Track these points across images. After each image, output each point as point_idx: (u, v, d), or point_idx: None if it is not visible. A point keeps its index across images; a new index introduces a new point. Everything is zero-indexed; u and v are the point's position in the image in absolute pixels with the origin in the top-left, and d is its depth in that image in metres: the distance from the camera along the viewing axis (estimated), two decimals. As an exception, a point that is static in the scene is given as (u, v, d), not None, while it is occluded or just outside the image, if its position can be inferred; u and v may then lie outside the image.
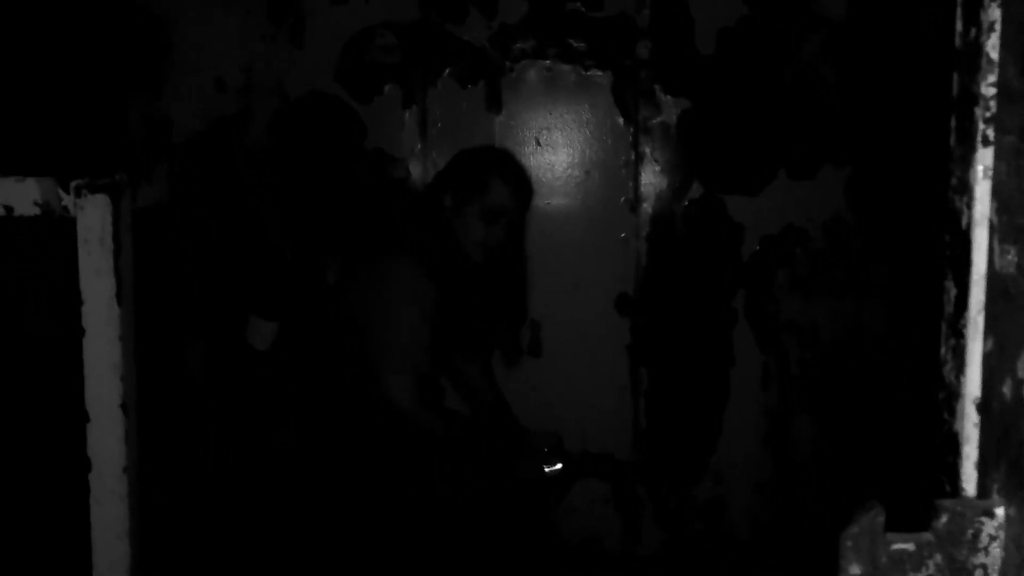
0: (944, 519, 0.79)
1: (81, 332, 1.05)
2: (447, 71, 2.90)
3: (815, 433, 3.01)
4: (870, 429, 2.93)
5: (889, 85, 2.86)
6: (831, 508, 3.00)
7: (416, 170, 2.91)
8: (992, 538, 0.79)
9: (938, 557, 0.79)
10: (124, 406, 1.05)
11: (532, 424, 2.62)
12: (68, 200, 1.00)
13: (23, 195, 1.00)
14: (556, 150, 2.94)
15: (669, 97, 2.91)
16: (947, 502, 0.80)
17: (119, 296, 1.03)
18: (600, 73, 2.91)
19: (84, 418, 1.07)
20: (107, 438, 1.07)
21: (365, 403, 2.19)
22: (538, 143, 2.94)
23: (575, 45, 2.90)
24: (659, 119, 2.92)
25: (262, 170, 2.60)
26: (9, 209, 1.01)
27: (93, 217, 1.00)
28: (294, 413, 2.26)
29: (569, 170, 2.95)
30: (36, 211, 1.01)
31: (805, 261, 2.96)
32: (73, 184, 1.00)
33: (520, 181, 2.37)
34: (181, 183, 2.76)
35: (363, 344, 2.20)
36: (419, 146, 2.92)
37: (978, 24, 0.77)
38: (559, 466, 2.44)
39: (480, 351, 2.64)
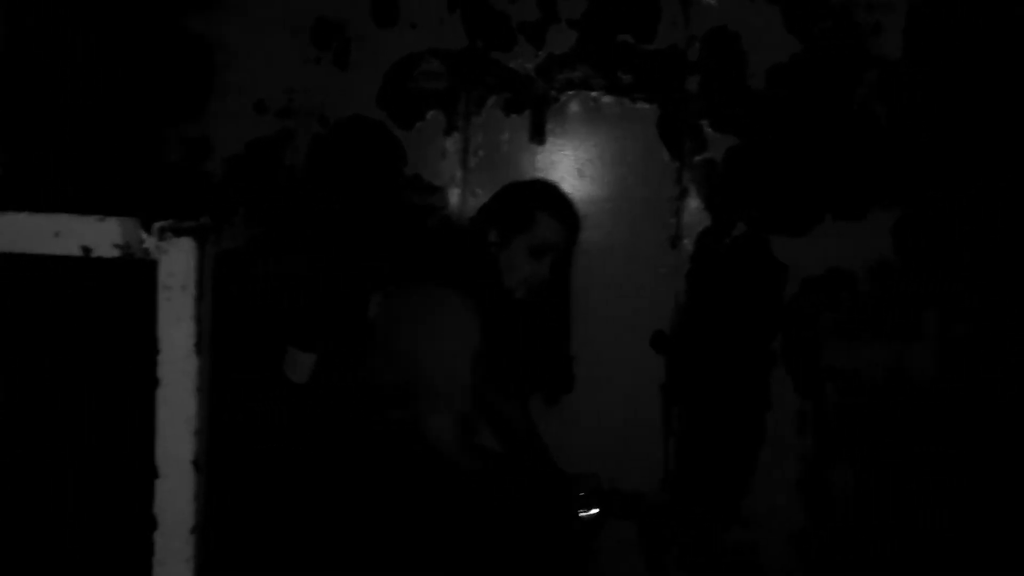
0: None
1: (155, 382, 0.98)
2: (492, 99, 2.84)
3: (854, 483, 2.93)
4: (916, 482, 2.85)
5: (946, 125, 2.80)
6: (868, 562, 2.91)
7: (455, 199, 2.84)
8: None
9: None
10: (196, 463, 0.98)
11: (563, 459, 2.55)
12: (150, 242, 0.94)
13: (103, 236, 0.93)
14: (598, 183, 2.88)
15: (716, 133, 2.85)
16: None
17: (198, 345, 0.96)
18: (647, 106, 2.85)
19: (153, 474, 1.00)
20: (176, 496, 0.99)
21: (404, 441, 2.12)
22: (580, 175, 2.87)
23: (623, 77, 2.84)
24: (705, 155, 2.86)
25: (301, 194, 2.54)
26: (87, 250, 0.94)
27: (177, 261, 0.93)
28: (330, 448, 2.19)
29: (610, 203, 2.88)
30: (116, 253, 0.94)
31: (849, 304, 2.89)
32: (156, 226, 0.94)
33: (569, 216, 2.29)
34: (220, 209, 2.70)
35: (403, 381, 2.12)
36: (459, 174, 2.85)
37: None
38: (595, 511, 2.35)
39: (520, 389, 2.57)
